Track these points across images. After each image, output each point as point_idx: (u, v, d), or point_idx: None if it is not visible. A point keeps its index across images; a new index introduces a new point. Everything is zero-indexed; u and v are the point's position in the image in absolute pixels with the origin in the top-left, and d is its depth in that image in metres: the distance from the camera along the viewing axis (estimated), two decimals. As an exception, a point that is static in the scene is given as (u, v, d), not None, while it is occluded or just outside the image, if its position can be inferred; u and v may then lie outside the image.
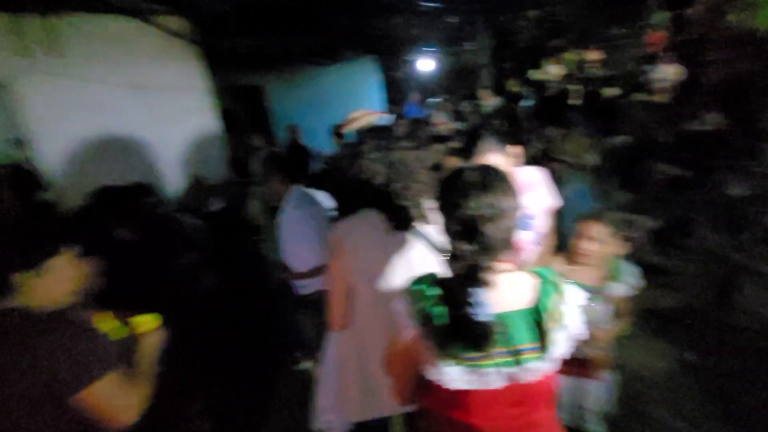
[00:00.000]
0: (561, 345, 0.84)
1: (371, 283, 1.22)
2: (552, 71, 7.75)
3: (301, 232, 1.90)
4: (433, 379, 0.84)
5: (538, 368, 0.82)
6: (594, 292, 1.50)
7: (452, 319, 0.80)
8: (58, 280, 1.03)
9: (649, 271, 1.74)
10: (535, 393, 0.86)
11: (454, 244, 0.84)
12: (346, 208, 1.33)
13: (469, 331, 0.78)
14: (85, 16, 2.93)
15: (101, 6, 2.84)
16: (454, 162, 2.93)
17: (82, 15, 2.91)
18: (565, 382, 1.54)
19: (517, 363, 0.82)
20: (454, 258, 0.84)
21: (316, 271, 1.90)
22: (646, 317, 2.50)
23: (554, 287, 0.87)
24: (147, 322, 1.21)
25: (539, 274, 0.89)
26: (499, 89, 7.28)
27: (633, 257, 1.65)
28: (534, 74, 7.82)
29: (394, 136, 1.34)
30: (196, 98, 3.62)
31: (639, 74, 5.82)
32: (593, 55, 7.65)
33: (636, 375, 2.17)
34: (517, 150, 1.63)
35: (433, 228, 1.24)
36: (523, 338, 0.82)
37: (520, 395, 0.85)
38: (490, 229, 0.80)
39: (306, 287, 2.02)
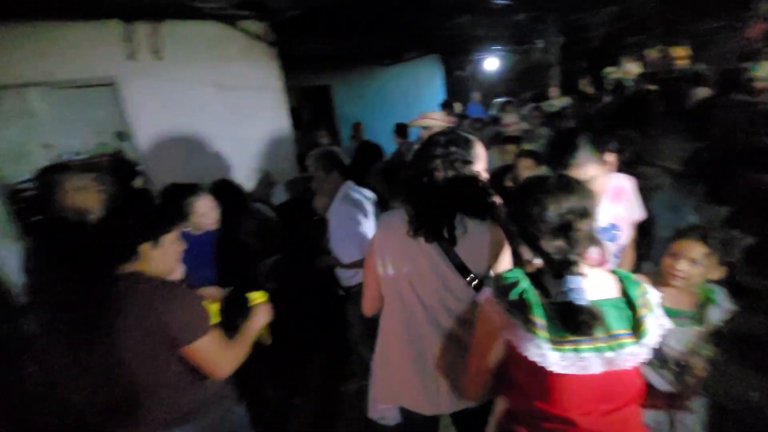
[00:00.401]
0: (653, 332, 0.89)
1: (408, 282, 1.21)
2: (631, 69, 7.18)
3: (348, 226, 1.99)
4: (534, 360, 0.87)
5: (634, 354, 0.86)
6: (686, 317, 1.39)
7: (552, 305, 0.86)
8: (169, 253, 1.22)
9: (741, 292, 1.58)
10: (625, 386, 0.90)
11: (543, 243, 0.89)
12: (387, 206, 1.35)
13: (570, 316, 0.83)
14: (182, 23, 3.25)
15: (195, 13, 3.13)
16: (528, 164, 2.84)
17: (179, 22, 3.23)
18: (654, 416, 1.44)
19: (615, 348, 0.86)
20: (543, 255, 0.90)
21: (360, 264, 1.94)
22: (738, 344, 2.26)
23: (636, 282, 0.94)
24: (258, 297, 1.42)
25: (617, 273, 0.96)
26: (569, 89, 6.91)
27: (725, 277, 1.51)
28: (610, 73, 7.29)
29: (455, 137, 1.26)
30: (271, 97, 3.85)
31: (738, 72, 5.21)
32: (680, 52, 6.97)
33: (726, 406, 1.98)
34: (613, 157, 1.50)
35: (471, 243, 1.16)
36: (618, 324, 0.88)
37: (611, 387, 0.88)
38: (581, 225, 0.88)
39: (351, 278, 2.13)
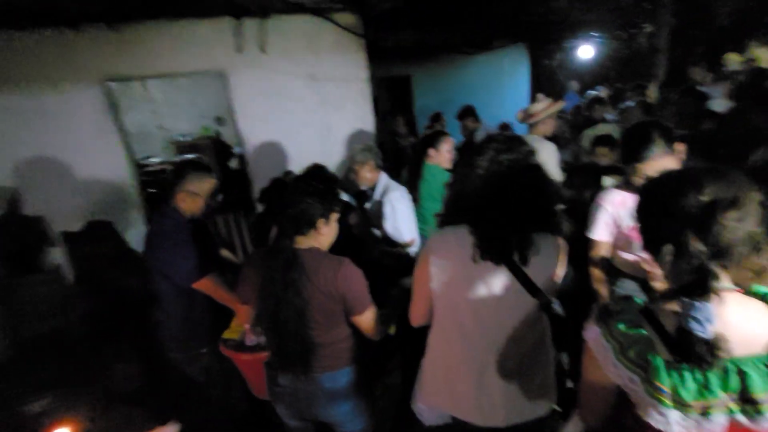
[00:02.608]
0: None
1: (468, 307, 1.17)
2: (762, 56, 6.15)
3: (403, 210, 2.34)
4: (646, 422, 0.78)
5: None
6: None
7: (678, 362, 0.72)
8: (333, 230, 1.42)
9: None
10: None
11: (677, 247, 0.72)
12: (447, 217, 1.25)
13: (689, 348, 0.70)
14: (284, 17, 3.49)
15: (296, 7, 3.34)
16: (604, 152, 2.66)
17: (282, 16, 3.47)
18: None
19: (753, 412, 0.72)
20: (676, 265, 0.74)
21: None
22: None
23: None
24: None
25: None
26: (676, 80, 6.12)
27: None
28: (733, 59, 6.32)
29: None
30: (357, 88, 3.99)
31: None
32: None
33: None
34: (682, 147, 1.52)
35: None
36: (763, 387, 0.71)
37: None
38: (730, 221, 0.69)
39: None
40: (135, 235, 3.46)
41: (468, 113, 4.75)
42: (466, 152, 1.27)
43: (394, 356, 2.20)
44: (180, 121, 6.77)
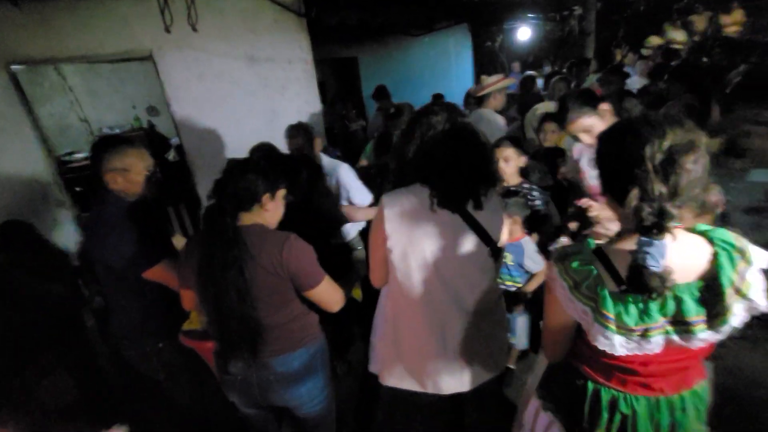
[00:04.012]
0: (739, 316, 0.80)
1: (427, 260, 1.22)
2: (676, 37, 6.73)
3: (355, 178, 2.45)
4: (596, 346, 0.85)
5: (709, 339, 0.81)
6: None
7: (623, 292, 0.80)
8: (280, 207, 1.38)
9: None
10: (692, 353, 0.86)
11: (639, 188, 0.76)
12: (397, 179, 1.34)
13: (640, 280, 0.76)
14: (217, -6, 3.25)
15: (228, -17, 3.12)
16: (552, 127, 2.82)
17: (214, -8, 3.23)
18: None
19: (686, 332, 0.80)
20: (634, 211, 0.78)
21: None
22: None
23: (740, 254, 0.80)
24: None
25: (718, 239, 0.82)
26: (604, 60, 6.55)
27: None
28: (652, 42, 6.87)
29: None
30: (300, 69, 3.84)
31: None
32: (734, 17, 6.47)
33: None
34: (606, 106, 1.69)
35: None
36: (695, 311, 0.79)
37: (676, 354, 0.87)
38: (688, 164, 0.74)
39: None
40: (61, 236, 3.13)
41: (382, 93, 5.24)
42: (411, 121, 1.30)
43: (355, 324, 2.18)
44: (107, 113, 6.17)
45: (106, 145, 1.59)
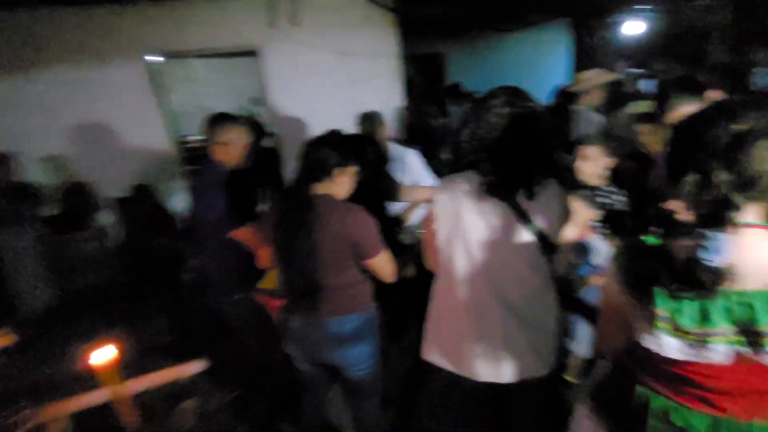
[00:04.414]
0: None
1: (472, 250, 1.20)
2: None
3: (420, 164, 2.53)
4: (647, 347, 0.79)
5: None
6: None
7: (680, 289, 0.71)
8: (349, 181, 1.48)
9: None
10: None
11: (699, 174, 0.70)
12: (455, 166, 1.32)
13: (691, 275, 0.69)
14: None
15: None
16: (647, 129, 2.55)
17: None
18: None
19: (756, 344, 0.70)
20: (696, 197, 0.71)
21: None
22: None
23: None
24: None
25: None
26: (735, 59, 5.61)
27: None
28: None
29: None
30: (386, 64, 3.98)
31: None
32: None
33: None
34: (718, 93, 1.52)
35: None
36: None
37: (749, 373, 0.75)
38: (758, 151, 0.66)
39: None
40: (174, 202, 3.68)
41: (455, 92, 5.12)
42: (474, 107, 1.27)
43: (410, 304, 2.23)
44: (219, 102, 7.03)
45: (215, 120, 1.88)
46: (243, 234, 1.75)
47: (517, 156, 1.14)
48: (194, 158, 5.22)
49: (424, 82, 7.12)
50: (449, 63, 7.07)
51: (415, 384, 2.12)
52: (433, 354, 1.39)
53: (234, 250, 1.78)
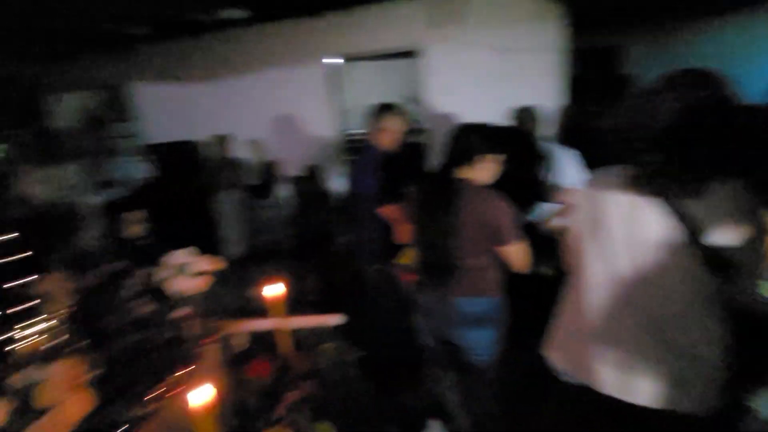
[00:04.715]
0: None
1: (598, 243, 1.06)
2: None
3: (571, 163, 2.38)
4: None
5: None
6: None
7: None
8: (490, 168, 1.54)
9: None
10: None
11: None
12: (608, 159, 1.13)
13: None
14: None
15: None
16: None
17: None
18: None
19: None
20: None
21: None
22: None
23: None
24: None
25: None
26: None
27: None
28: None
29: None
30: (546, 60, 3.74)
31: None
32: None
33: None
34: None
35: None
36: None
37: None
38: None
39: None
40: (334, 184, 4.27)
41: None
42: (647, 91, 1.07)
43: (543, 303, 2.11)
44: (380, 100, 7.69)
45: (380, 109, 2.16)
46: (389, 211, 1.95)
47: (690, 146, 0.95)
48: (354, 149, 5.93)
49: (596, 78, 6.36)
50: (629, 57, 6.15)
51: (531, 383, 2.00)
52: (554, 354, 1.30)
53: (379, 225, 2.00)
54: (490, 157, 1.49)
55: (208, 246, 1.73)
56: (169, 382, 1.41)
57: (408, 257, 2.04)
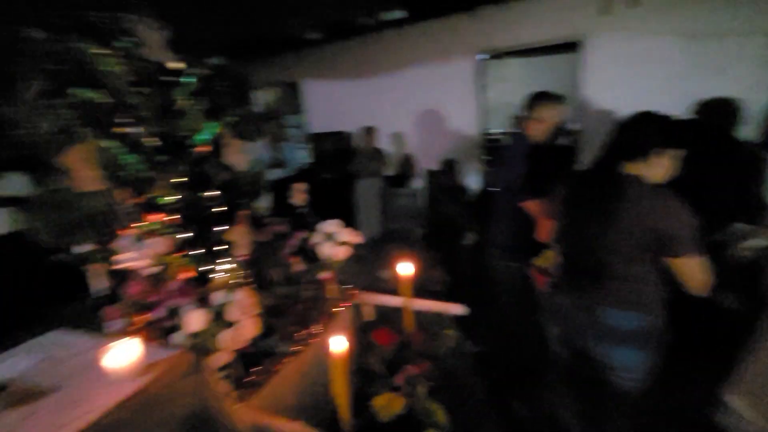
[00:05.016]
0: None
1: None
2: None
3: None
4: None
5: None
6: None
7: None
8: (666, 166, 1.29)
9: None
10: None
11: None
12: None
13: None
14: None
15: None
16: None
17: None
18: None
19: None
20: None
21: None
22: None
23: None
24: None
25: None
26: None
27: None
28: None
29: None
30: (756, 45, 2.97)
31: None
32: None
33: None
34: None
35: None
36: None
37: None
38: None
39: None
40: (470, 181, 4.23)
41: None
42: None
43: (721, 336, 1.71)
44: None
45: (538, 97, 1.99)
46: (533, 206, 1.81)
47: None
48: (490, 149, 5.76)
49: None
50: None
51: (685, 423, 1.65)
52: (740, 400, 1.05)
53: (520, 220, 1.88)
54: (670, 152, 1.25)
55: (348, 225, 1.92)
56: (311, 330, 1.64)
57: (547, 258, 1.89)
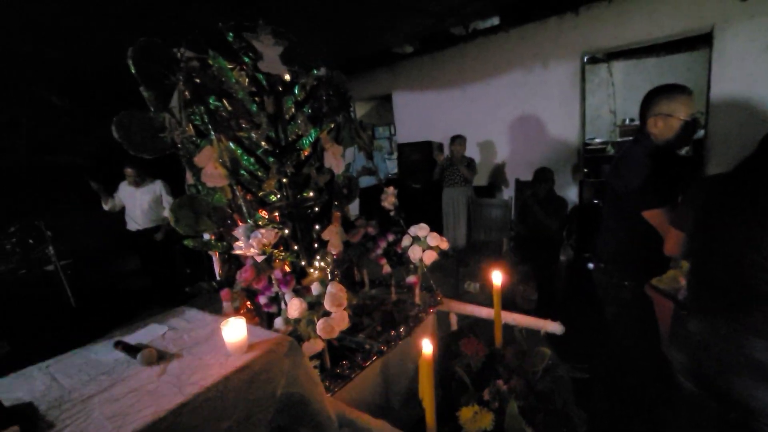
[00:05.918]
0: None
1: None
2: None
3: None
4: None
5: None
6: None
7: None
8: None
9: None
10: None
11: None
12: None
13: None
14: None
15: None
16: None
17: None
18: None
19: None
20: None
21: None
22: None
23: None
24: None
25: None
26: None
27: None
28: None
29: None
30: None
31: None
32: None
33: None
34: None
35: None
36: None
37: None
38: None
39: None
40: (566, 191, 3.91)
41: None
42: None
43: None
44: (633, 106, 6.53)
45: (661, 90, 1.68)
46: (655, 216, 1.56)
47: None
48: (589, 160, 5.28)
49: None
50: None
51: None
52: None
53: (638, 231, 1.63)
54: None
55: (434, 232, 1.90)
56: (397, 332, 1.64)
57: (670, 278, 1.64)
